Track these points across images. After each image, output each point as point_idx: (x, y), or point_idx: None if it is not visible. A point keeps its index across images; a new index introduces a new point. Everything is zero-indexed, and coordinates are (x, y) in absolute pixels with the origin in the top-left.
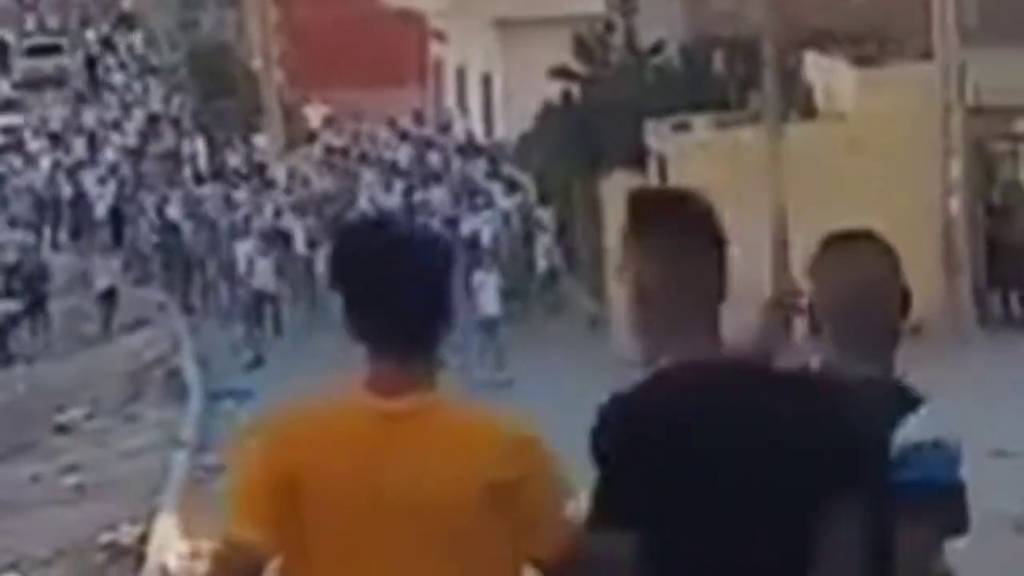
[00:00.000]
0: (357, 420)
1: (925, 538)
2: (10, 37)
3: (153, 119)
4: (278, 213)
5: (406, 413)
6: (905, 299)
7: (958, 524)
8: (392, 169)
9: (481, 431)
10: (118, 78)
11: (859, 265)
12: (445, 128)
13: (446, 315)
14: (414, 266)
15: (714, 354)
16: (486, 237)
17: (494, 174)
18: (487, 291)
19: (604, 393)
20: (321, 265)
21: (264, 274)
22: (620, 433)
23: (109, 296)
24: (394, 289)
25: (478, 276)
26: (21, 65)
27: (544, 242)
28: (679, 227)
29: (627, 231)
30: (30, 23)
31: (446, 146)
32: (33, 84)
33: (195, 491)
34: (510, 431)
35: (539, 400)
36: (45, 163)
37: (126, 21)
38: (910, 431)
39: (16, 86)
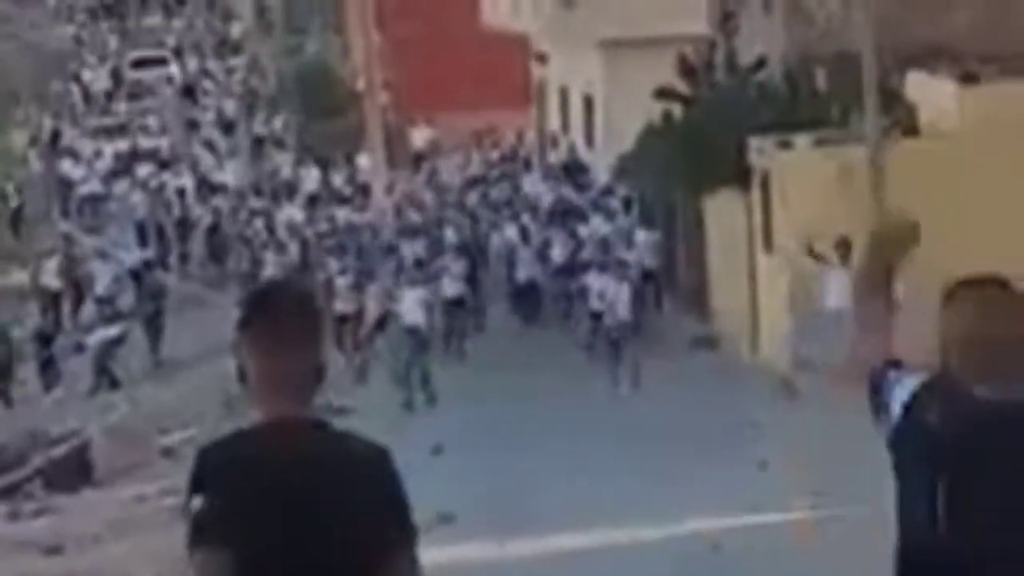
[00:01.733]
0: None
1: None
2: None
3: (258, 141)
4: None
5: None
6: None
7: None
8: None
9: None
10: (213, 101)
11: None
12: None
13: None
14: None
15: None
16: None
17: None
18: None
19: None
20: None
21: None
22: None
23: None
24: None
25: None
26: (128, 76)
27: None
28: (275, 319)
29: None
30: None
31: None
32: (137, 96)
33: None
34: None
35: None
36: (152, 184)
37: (229, 46)
38: None
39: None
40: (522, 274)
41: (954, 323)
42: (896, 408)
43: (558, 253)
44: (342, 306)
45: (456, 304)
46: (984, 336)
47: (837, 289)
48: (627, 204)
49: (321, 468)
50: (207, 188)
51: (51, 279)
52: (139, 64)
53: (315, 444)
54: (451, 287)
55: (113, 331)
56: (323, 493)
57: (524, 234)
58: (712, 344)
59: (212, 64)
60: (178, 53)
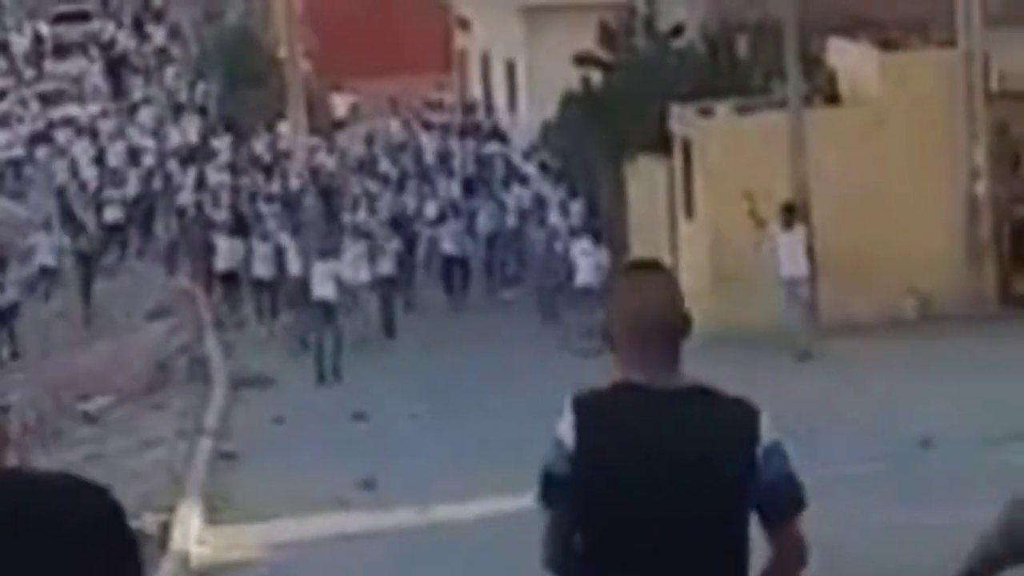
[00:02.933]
0: None
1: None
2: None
3: (178, 108)
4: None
5: None
6: (686, 321)
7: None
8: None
9: None
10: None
11: (647, 294)
12: (469, 113)
13: None
14: None
15: None
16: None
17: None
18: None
19: None
20: None
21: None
22: None
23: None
24: None
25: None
26: (49, 32)
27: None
28: None
29: None
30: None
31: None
32: (61, 50)
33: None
34: None
35: None
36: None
37: (151, 12)
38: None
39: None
40: (449, 247)
41: (611, 308)
42: None
43: (483, 224)
44: (261, 271)
45: (388, 281)
46: (637, 321)
47: (789, 257)
48: (544, 169)
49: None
50: (130, 155)
51: None
52: (61, 19)
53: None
54: (385, 264)
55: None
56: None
57: (452, 206)
58: None
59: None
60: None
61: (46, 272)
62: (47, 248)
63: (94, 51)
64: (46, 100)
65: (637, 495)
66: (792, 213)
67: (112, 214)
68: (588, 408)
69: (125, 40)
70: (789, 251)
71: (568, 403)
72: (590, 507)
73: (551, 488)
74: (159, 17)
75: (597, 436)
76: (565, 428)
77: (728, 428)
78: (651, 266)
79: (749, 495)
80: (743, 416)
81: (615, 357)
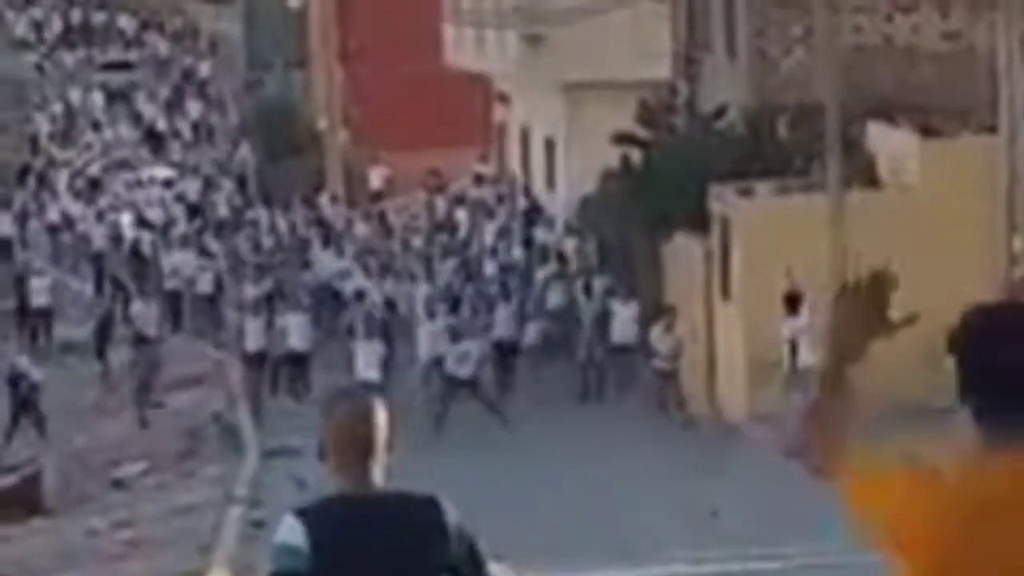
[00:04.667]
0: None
1: None
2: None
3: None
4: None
5: None
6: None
7: None
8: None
9: None
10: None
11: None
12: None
13: None
14: None
15: None
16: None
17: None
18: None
19: None
20: None
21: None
22: None
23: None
24: None
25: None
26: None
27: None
28: None
29: None
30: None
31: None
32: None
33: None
34: None
35: None
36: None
37: (194, 81)
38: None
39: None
40: (500, 331)
41: (330, 432)
42: None
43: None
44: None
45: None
46: (340, 438)
47: (806, 345)
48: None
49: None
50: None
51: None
52: (107, 68)
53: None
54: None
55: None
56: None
57: (504, 289)
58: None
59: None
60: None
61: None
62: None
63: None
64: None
65: None
66: (795, 302)
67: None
68: (315, 516)
69: (156, 112)
70: (807, 339)
71: (292, 514)
72: None
73: None
74: (202, 86)
75: (327, 540)
76: (292, 534)
77: (421, 522)
78: (354, 394)
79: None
80: (431, 509)
81: (332, 471)
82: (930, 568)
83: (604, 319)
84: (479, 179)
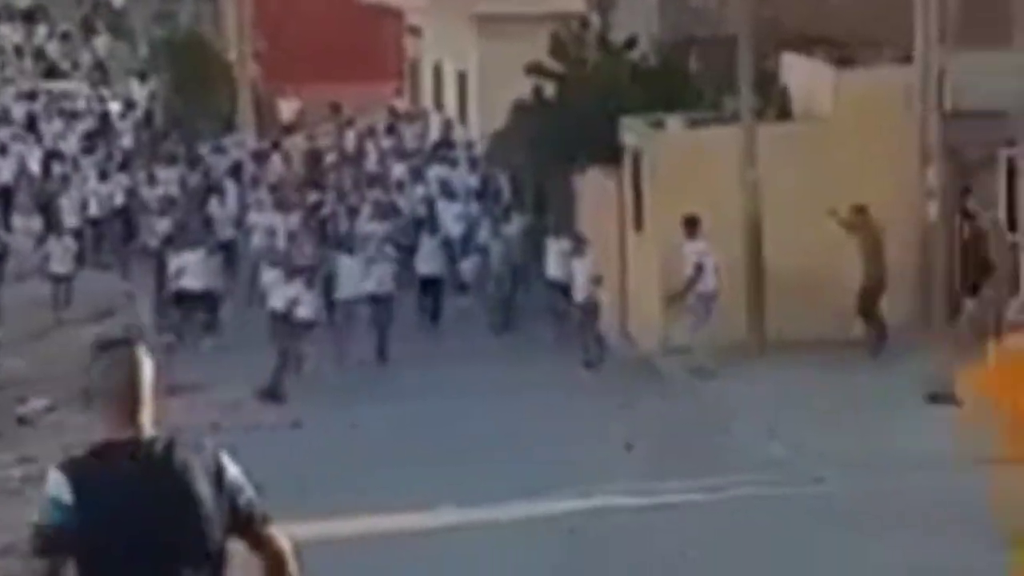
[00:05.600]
0: None
1: None
2: None
3: (129, 106)
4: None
5: None
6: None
7: None
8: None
9: None
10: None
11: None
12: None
13: None
14: None
15: None
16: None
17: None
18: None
19: None
20: None
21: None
22: None
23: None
24: None
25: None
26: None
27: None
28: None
29: None
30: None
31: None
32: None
33: None
34: None
35: None
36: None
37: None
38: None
39: None
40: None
41: (97, 379)
42: None
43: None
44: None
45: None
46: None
47: (709, 269)
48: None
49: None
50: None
51: None
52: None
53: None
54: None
55: None
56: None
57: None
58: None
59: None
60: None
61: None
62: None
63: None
64: None
65: (127, 531)
66: (695, 225)
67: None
68: (78, 469)
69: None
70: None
71: (56, 468)
72: (89, 548)
73: (47, 540)
74: (115, 17)
75: (91, 492)
76: (57, 489)
77: (186, 469)
78: (120, 341)
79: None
80: (199, 456)
81: (100, 418)
82: None
83: (521, 253)
84: (392, 113)
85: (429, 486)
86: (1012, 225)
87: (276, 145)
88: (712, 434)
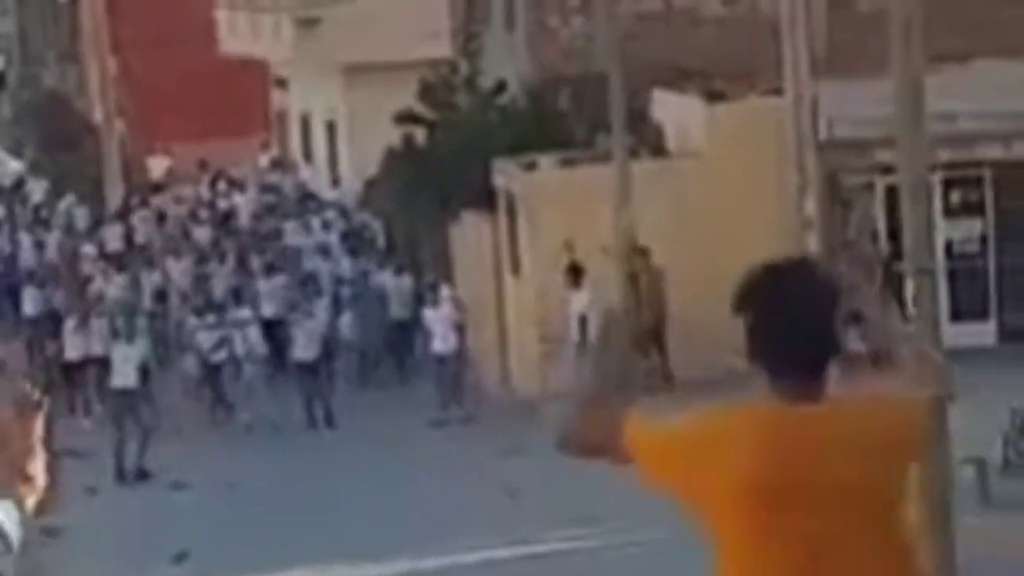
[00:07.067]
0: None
1: None
2: None
3: None
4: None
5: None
6: None
7: None
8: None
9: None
10: None
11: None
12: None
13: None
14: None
15: None
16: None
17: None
18: None
19: None
20: None
21: None
22: None
23: None
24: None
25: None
26: None
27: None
28: None
29: None
30: None
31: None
32: None
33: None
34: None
35: None
36: None
37: None
38: None
39: None
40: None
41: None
42: None
43: None
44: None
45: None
46: None
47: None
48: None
49: None
50: None
51: None
52: None
53: None
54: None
55: None
56: None
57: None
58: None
59: None
60: None
61: None
62: None
63: None
64: None
65: None
66: (578, 274)
67: None
68: None
69: None
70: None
71: None
72: None
73: None
74: None
75: None
76: None
77: None
78: None
79: None
80: None
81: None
82: (736, 526)
83: (399, 306)
84: (261, 167)
85: (313, 541)
86: (898, 253)
87: (131, 207)
88: (596, 480)
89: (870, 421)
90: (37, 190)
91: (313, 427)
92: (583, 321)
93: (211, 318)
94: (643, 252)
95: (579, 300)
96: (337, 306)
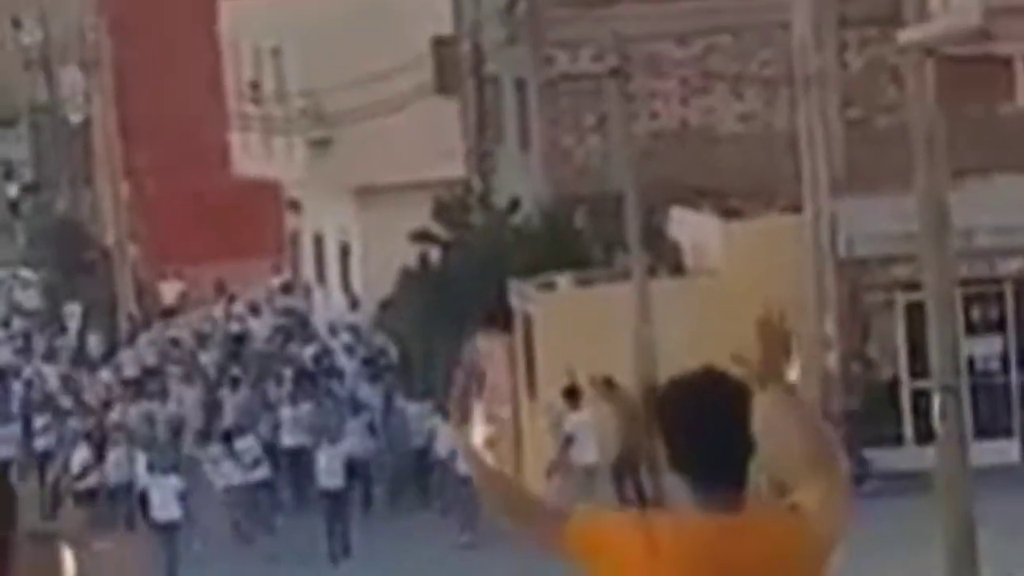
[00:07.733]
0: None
1: None
2: None
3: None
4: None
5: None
6: None
7: None
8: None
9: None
10: None
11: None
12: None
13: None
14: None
15: None
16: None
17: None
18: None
19: None
20: None
21: None
22: None
23: None
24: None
25: None
26: None
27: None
28: None
29: None
30: None
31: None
32: None
33: None
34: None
35: None
36: None
37: None
38: None
39: None
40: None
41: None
42: None
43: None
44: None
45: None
46: None
47: (585, 442)
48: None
49: None
50: None
51: None
52: None
53: None
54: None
55: None
56: None
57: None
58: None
59: None
60: None
61: None
62: None
63: None
64: None
65: None
66: (575, 396)
67: None
68: None
69: None
70: (582, 436)
71: None
72: None
73: None
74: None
75: None
76: None
77: None
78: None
79: None
80: None
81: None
82: None
83: (416, 432)
84: (272, 288)
85: None
86: (923, 370)
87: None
88: None
89: (785, 537)
90: (72, 315)
91: (334, 561)
92: (569, 440)
93: (217, 448)
94: (608, 382)
95: (570, 422)
96: (361, 433)
